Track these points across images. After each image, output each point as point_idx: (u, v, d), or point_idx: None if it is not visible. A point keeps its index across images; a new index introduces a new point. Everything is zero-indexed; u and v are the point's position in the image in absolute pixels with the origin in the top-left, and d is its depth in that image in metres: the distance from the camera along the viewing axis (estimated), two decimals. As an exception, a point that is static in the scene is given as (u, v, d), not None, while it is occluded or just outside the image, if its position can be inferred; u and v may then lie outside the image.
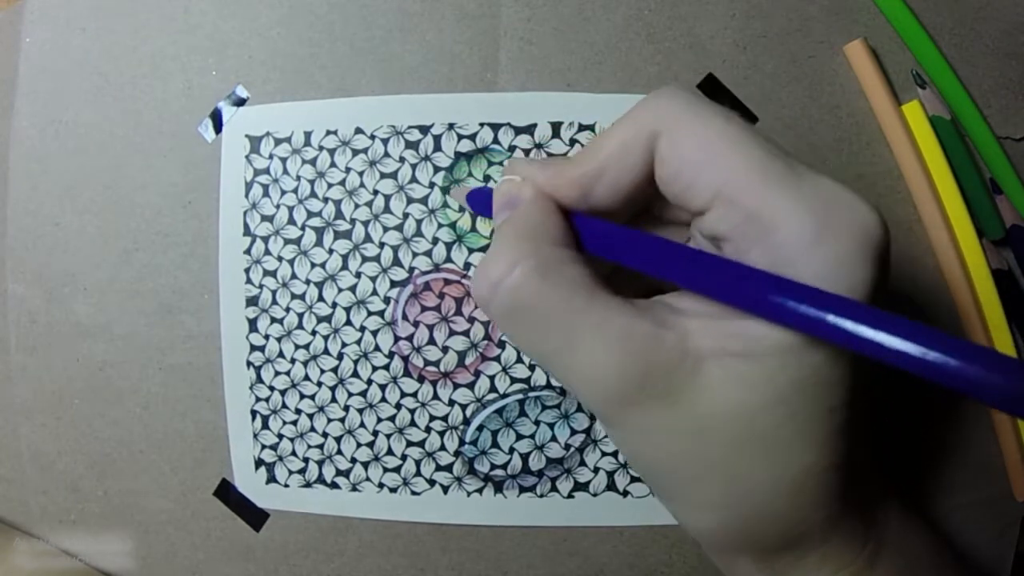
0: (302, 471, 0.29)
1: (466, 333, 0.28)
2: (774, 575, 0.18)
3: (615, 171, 0.18)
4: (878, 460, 0.19)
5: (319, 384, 0.29)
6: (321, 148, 0.29)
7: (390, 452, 0.29)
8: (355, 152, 0.28)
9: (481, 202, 0.24)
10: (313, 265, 0.29)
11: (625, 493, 0.28)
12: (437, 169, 0.28)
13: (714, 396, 0.16)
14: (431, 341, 0.28)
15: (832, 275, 0.15)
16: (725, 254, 0.17)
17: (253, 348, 0.29)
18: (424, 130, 0.28)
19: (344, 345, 0.29)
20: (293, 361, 0.29)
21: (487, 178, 0.28)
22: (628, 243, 0.18)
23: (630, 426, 0.17)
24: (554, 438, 0.28)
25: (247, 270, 0.29)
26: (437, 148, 0.28)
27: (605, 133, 0.18)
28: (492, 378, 0.28)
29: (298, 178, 0.29)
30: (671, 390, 0.16)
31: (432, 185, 0.28)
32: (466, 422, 0.29)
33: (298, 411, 0.29)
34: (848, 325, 0.15)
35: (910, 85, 0.28)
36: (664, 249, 0.17)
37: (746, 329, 0.16)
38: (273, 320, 0.29)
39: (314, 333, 0.29)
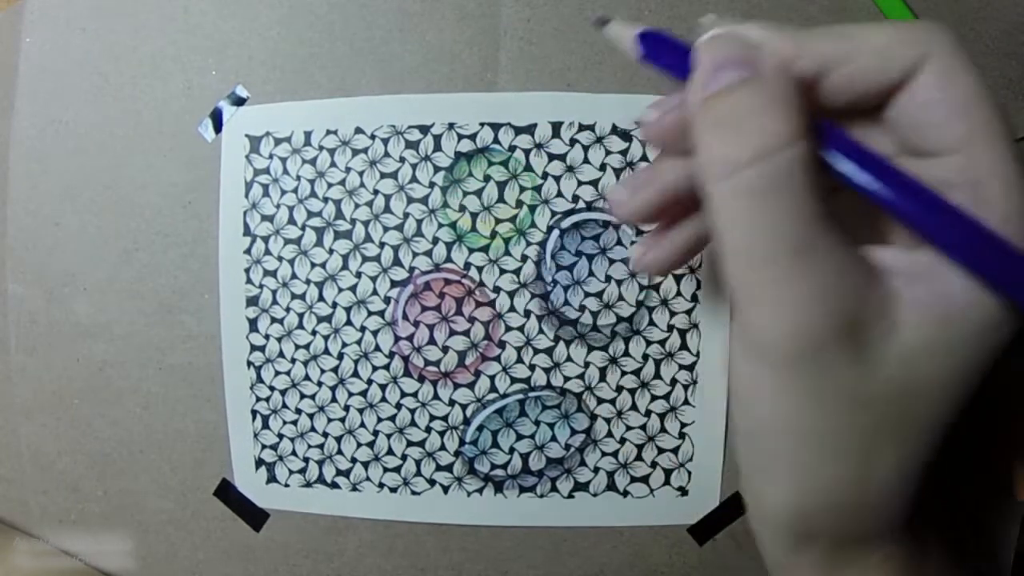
0: (302, 471, 0.29)
1: (466, 333, 0.28)
2: (832, 569, 0.18)
3: (861, 67, 0.16)
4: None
5: (319, 384, 0.29)
6: (321, 148, 0.29)
7: (390, 452, 0.29)
8: (355, 152, 0.28)
9: (662, 50, 0.19)
10: (313, 265, 0.29)
11: (625, 493, 0.28)
12: (437, 169, 0.28)
13: (901, 363, 0.15)
14: (431, 341, 0.28)
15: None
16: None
17: (253, 348, 0.29)
18: (424, 130, 0.28)
19: (344, 345, 0.29)
20: (293, 361, 0.29)
21: (487, 178, 0.28)
22: (874, 169, 0.16)
23: (803, 374, 0.15)
24: (554, 438, 0.28)
25: (247, 270, 0.29)
26: (437, 148, 0.28)
27: (868, 27, 0.17)
28: (492, 378, 0.28)
29: (298, 178, 0.29)
30: (861, 346, 0.15)
31: (432, 185, 0.28)
32: (466, 422, 0.29)
33: (298, 411, 0.29)
34: None
35: (910, 85, 0.28)
36: (910, 187, 0.16)
37: (953, 297, 0.15)
38: (273, 320, 0.29)
39: (314, 333, 0.29)
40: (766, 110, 0.15)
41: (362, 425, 0.29)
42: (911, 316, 0.16)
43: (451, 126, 0.28)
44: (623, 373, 0.28)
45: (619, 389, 0.28)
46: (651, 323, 0.28)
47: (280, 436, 0.29)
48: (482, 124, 0.28)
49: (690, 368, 0.28)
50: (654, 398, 0.28)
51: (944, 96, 0.16)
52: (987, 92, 0.16)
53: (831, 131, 0.16)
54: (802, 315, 0.15)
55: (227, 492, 0.30)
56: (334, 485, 0.29)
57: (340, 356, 0.29)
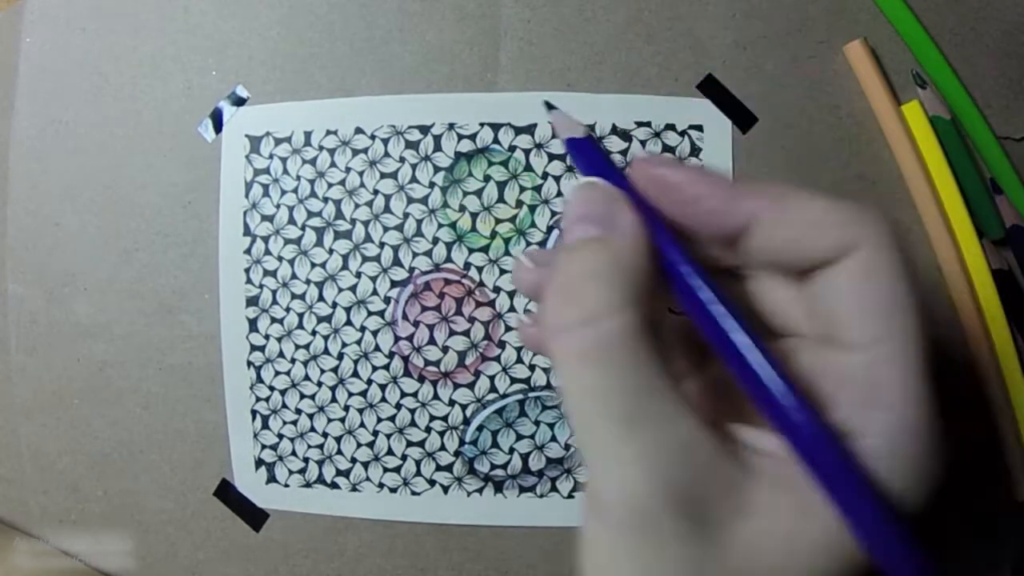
0: (302, 471, 0.29)
1: (466, 333, 0.28)
2: None
3: (791, 236, 0.16)
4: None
5: (319, 384, 0.29)
6: (321, 148, 0.29)
7: (390, 452, 0.29)
8: (355, 152, 0.28)
9: (580, 158, 0.19)
10: (313, 265, 0.29)
11: (625, 493, 0.28)
12: (437, 169, 0.28)
13: (750, 546, 0.14)
14: (431, 341, 0.28)
15: (913, 486, 0.16)
16: (841, 397, 0.16)
17: (253, 348, 0.29)
18: (424, 130, 0.28)
19: (344, 345, 0.29)
20: (293, 361, 0.29)
21: (487, 178, 0.28)
22: (702, 318, 0.15)
23: (648, 542, 0.15)
24: (554, 438, 0.28)
25: (247, 270, 0.29)
26: (437, 148, 0.28)
27: (803, 196, 0.16)
28: (492, 378, 0.28)
29: (298, 178, 0.29)
30: (708, 523, 0.14)
31: (432, 185, 0.28)
32: (466, 422, 0.29)
33: (298, 411, 0.29)
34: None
35: (910, 85, 0.28)
36: (771, 388, 0.15)
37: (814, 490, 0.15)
38: (273, 320, 0.29)
39: (314, 333, 0.29)
40: (599, 276, 0.15)
41: (362, 425, 0.29)
42: (767, 500, 0.15)
43: (451, 126, 0.28)
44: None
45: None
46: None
47: (280, 436, 0.29)
48: (482, 124, 0.28)
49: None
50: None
51: (861, 293, 0.15)
52: (908, 295, 0.15)
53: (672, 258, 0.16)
54: (631, 484, 0.14)
55: (227, 492, 0.30)
56: (334, 485, 0.29)
57: (340, 356, 0.29)
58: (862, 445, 0.15)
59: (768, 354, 0.15)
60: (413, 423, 0.29)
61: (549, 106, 0.20)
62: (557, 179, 0.28)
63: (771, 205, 0.16)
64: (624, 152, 0.28)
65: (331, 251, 0.29)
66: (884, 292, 0.15)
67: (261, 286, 0.29)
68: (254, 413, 0.29)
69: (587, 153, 0.18)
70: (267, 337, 0.29)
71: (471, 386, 0.29)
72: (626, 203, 0.16)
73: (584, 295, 0.15)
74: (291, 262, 0.29)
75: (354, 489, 0.29)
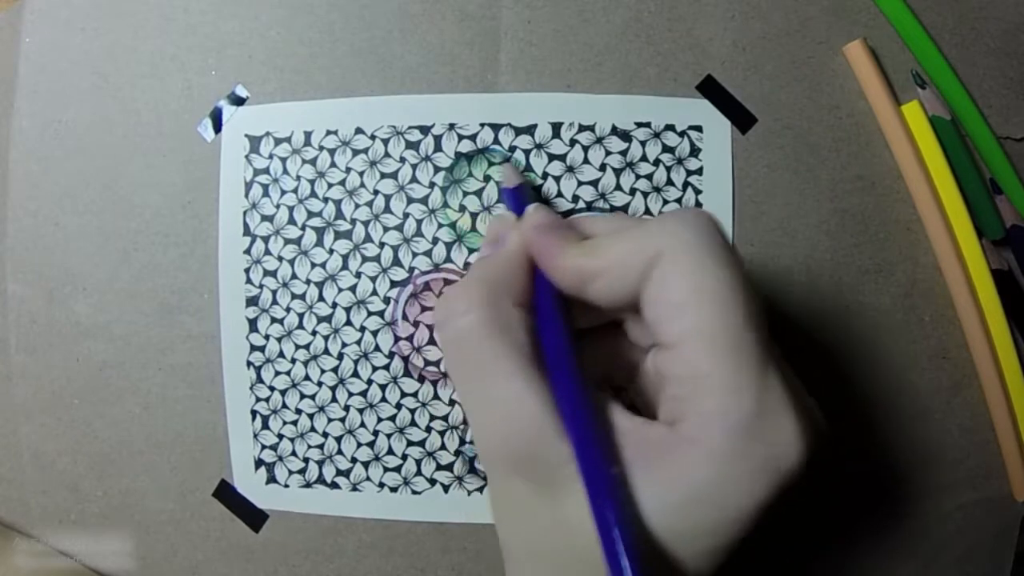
0: (302, 471, 0.29)
1: (466, 333, 0.28)
2: None
3: (611, 279, 0.18)
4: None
5: (319, 384, 0.29)
6: (321, 148, 0.29)
7: (390, 452, 0.29)
8: (355, 152, 0.28)
9: (510, 202, 0.25)
10: (313, 265, 0.29)
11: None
12: (437, 169, 0.28)
13: (580, 509, 0.16)
14: (431, 341, 0.28)
15: (730, 476, 0.16)
16: (664, 395, 0.18)
17: (253, 348, 0.29)
18: (424, 130, 0.28)
19: (344, 345, 0.29)
20: (293, 361, 0.29)
21: (487, 178, 0.28)
22: (544, 333, 0.19)
23: (500, 489, 0.18)
24: (554, 438, 0.28)
25: (247, 270, 0.29)
26: (437, 148, 0.28)
27: (618, 235, 0.19)
28: (492, 378, 0.28)
29: (298, 178, 0.29)
30: (546, 483, 0.17)
31: (432, 185, 0.28)
32: (466, 422, 0.29)
33: (298, 411, 0.29)
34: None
35: (910, 85, 0.28)
36: (557, 369, 0.18)
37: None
38: (273, 320, 0.29)
39: (314, 333, 0.29)
40: (468, 285, 0.19)
41: (362, 425, 0.29)
42: None
43: (451, 127, 0.28)
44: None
45: (619, 389, 0.28)
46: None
47: (280, 436, 0.29)
48: (482, 125, 0.28)
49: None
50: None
51: (662, 296, 0.17)
52: (709, 289, 0.17)
53: (540, 285, 0.20)
54: (480, 446, 0.19)
55: (226, 493, 0.30)
56: (334, 485, 0.29)
57: (340, 356, 0.29)
58: (706, 429, 0.16)
59: (578, 397, 0.17)
60: (413, 423, 0.29)
61: (504, 158, 0.27)
62: (557, 179, 0.28)
63: (588, 261, 0.19)
64: (624, 152, 0.28)
65: (331, 251, 0.29)
66: (681, 292, 0.17)
67: (261, 286, 0.29)
68: (254, 413, 0.29)
69: (518, 198, 0.24)
70: (267, 337, 0.29)
71: (471, 386, 0.28)
72: (517, 230, 0.21)
73: (452, 299, 0.19)
74: (291, 262, 0.29)
75: (354, 489, 0.29)
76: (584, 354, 0.21)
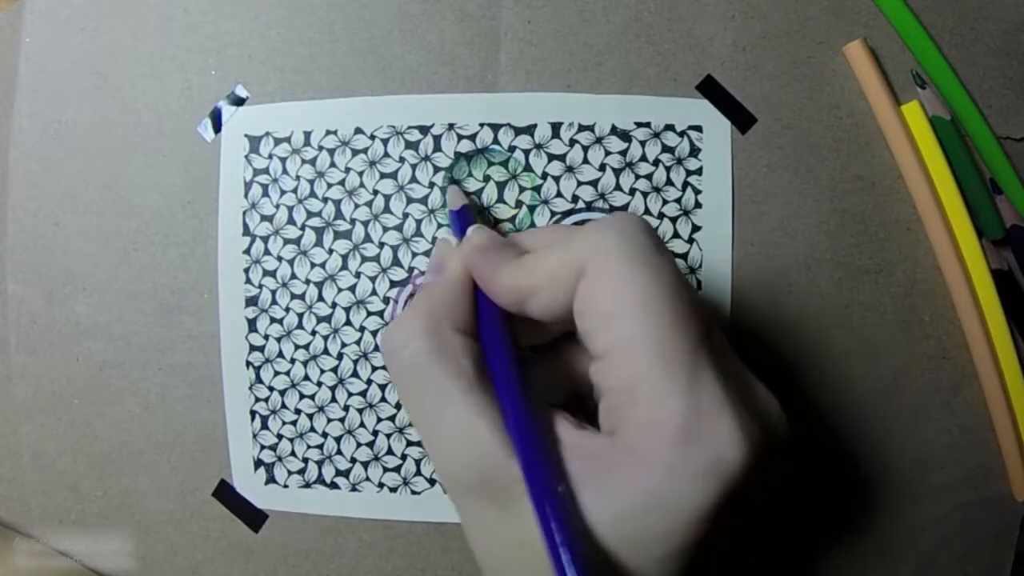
0: (302, 471, 0.29)
1: (466, 333, 0.28)
2: None
3: (545, 294, 0.18)
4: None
5: (319, 384, 0.29)
6: (321, 148, 0.29)
7: (390, 452, 0.29)
8: (355, 152, 0.28)
9: (457, 224, 0.25)
10: (313, 265, 0.29)
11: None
12: (437, 169, 0.28)
13: (527, 525, 0.16)
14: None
15: (671, 483, 0.16)
16: (601, 405, 0.18)
17: (252, 348, 0.29)
18: (424, 130, 0.28)
19: (344, 345, 0.29)
20: (293, 361, 0.29)
21: (487, 178, 0.28)
22: (489, 355, 0.19)
23: (463, 511, 0.19)
24: (554, 438, 0.28)
25: (246, 270, 0.29)
26: (437, 148, 0.28)
27: (550, 248, 0.19)
28: (492, 378, 0.28)
29: (298, 178, 0.29)
30: (504, 501, 0.17)
31: (432, 185, 0.28)
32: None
33: (298, 411, 0.29)
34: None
35: (910, 85, 0.28)
36: (502, 391, 0.18)
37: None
38: (273, 320, 0.29)
39: (314, 333, 0.29)
40: (413, 313, 0.19)
41: (362, 425, 0.29)
42: None
43: (451, 127, 0.28)
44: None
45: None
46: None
47: (279, 437, 0.29)
48: (482, 125, 0.28)
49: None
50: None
51: (589, 307, 0.18)
52: (634, 296, 0.17)
53: (483, 307, 0.20)
54: (438, 467, 0.19)
55: (226, 493, 0.30)
56: (333, 485, 0.29)
57: (339, 356, 0.29)
58: (643, 435, 0.16)
59: (524, 417, 0.17)
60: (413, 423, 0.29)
61: (452, 180, 0.28)
62: (557, 179, 0.28)
63: (524, 279, 0.19)
64: (623, 152, 0.28)
65: (331, 251, 0.29)
66: (607, 301, 0.17)
67: (260, 286, 0.29)
68: (253, 413, 0.29)
69: (462, 221, 0.25)
70: (266, 337, 0.29)
71: (471, 386, 0.28)
72: (456, 256, 0.21)
73: (397, 331, 0.19)
74: (290, 262, 0.29)
75: (354, 489, 0.29)
76: (542, 368, 0.21)
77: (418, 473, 0.29)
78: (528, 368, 0.19)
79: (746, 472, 0.16)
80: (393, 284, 0.29)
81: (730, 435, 0.16)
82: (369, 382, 0.29)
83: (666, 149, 0.28)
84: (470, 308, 0.20)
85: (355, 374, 0.29)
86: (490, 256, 0.20)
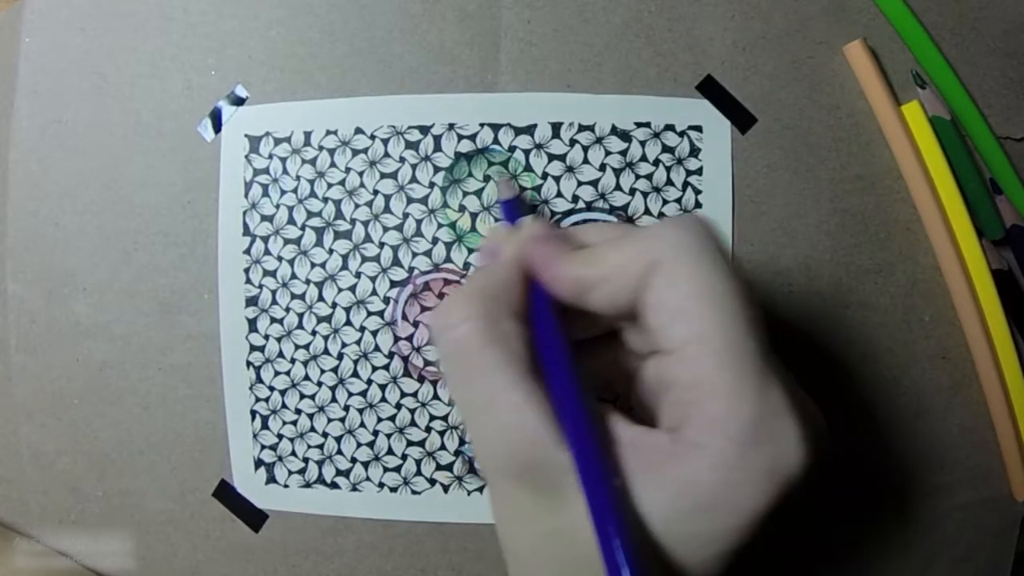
0: (302, 471, 0.29)
1: (466, 333, 0.28)
2: None
3: (611, 287, 0.18)
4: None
5: (319, 384, 0.29)
6: (321, 148, 0.29)
7: (390, 452, 0.29)
8: (355, 152, 0.28)
9: (506, 213, 0.26)
10: (313, 265, 0.29)
11: (625, 493, 0.28)
12: (437, 169, 0.28)
13: (583, 514, 0.16)
14: (431, 341, 0.28)
15: (733, 483, 0.16)
16: (663, 399, 0.18)
17: (253, 348, 0.29)
18: (424, 130, 0.28)
19: (344, 345, 0.29)
20: (293, 361, 0.29)
21: (487, 178, 0.28)
22: (542, 344, 0.19)
23: (502, 497, 0.18)
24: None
25: (247, 270, 0.29)
26: (437, 148, 0.28)
27: (616, 243, 0.19)
28: (492, 378, 0.28)
29: (298, 178, 0.29)
30: (549, 489, 0.17)
31: (432, 185, 0.28)
32: (465, 429, 0.29)
33: (298, 411, 0.29)
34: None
35: (910, 85, 0.28)
36: (556, 381, 0.18)
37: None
38: (273, 320, 0.29)
39: (314, 333, 0.29)
40: (464, 294, 0.19)
41: (362, 425, 0.29)
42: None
43: (451, 126, 0.28)
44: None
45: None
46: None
47: (279, 436, 0.29)
48: (482, 125, 0.28)
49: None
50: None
51: (663, 302, 0.18)
52: (711, 294, 0.17)
53: (537, 298, 0.20)
54: (480, 455, 0.19)
55: (226, 493, 0.30)
56: (334, 485, 0.29)
57: (340, 356, 0.29)
58: (709, 433, 0.16)
59: (578, 408, 0.17)
60: (413, 423, 0.29)
61: (503, 164, 0.28)
62: (557, 179, 0.28)
63: (586, 270, 0.19)
64: (623, 152, 0.28)
65: (331, 251, 0.29)
66: (682, 296, 0.17)
67: (261, 286, 0.29)
68: (253, 413, 0.29)
69: (513, 211, 0.25)
70: (267, 337, 0.29)
71: (471, 386, 0.28)
72: (513, 243, 0.21)
73: (449, 309, 0.19)
74: (291, 262, 0.29)
75: (354, 489, 0.29)
76: (583, 364, 0.21)
77: (418, 473, 0.29)
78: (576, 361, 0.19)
79: (804, 476, 0.16)
80: (393, 284, 0.29)
81: (794, 439, 0.16)
82: (369, 382, 0.29)
83: (666, 149, 0.28)
84: (524, 295, 0.20)
85: (355, 374, 0.29)
86: (549, 246, 0.20)
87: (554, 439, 0.17)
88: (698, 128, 0.28)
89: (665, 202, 0.28)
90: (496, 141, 0.28)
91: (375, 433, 0.29)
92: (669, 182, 0.28)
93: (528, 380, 0.18)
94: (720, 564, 0.16)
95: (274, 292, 0.29)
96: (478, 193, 0.28)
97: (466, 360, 0.18)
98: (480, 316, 0.18)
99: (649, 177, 0.28)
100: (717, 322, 0.17)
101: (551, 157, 0.28)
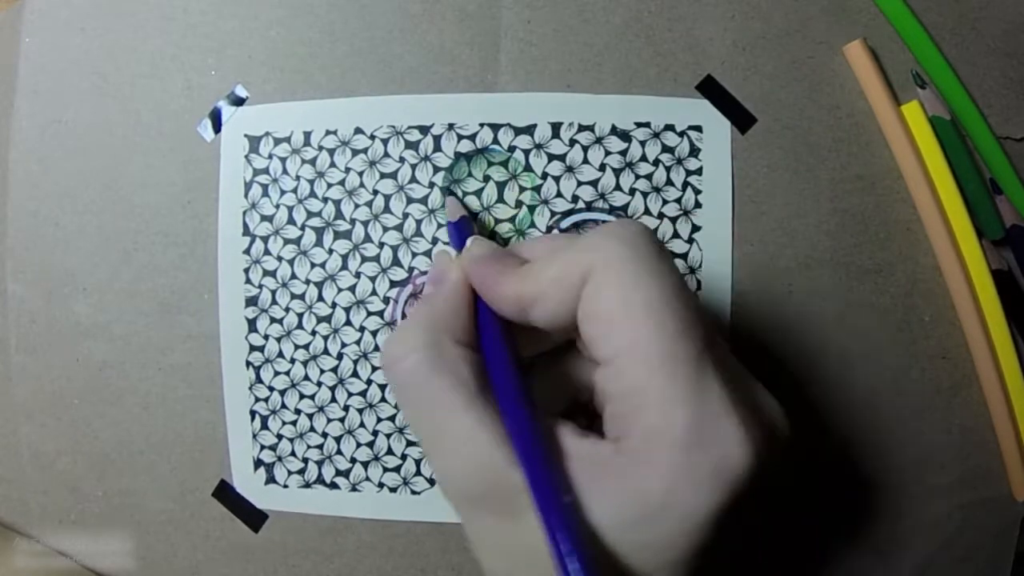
0: (301, 471, 0.29)
1: (466, 333, 0.28)
2: None
3: (550, 301, 0.18)
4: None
5: (319, 384, 0.29)
6: (321, 148, 0.29)
7: (390, 452, 0.29)
8: (355, 152, 0.28)
9: (456, 236, 0.26)
10: (313, 265, 0.29)
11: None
12: (437, 169, 0.28)
13: (536, 532, 0.16)
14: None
15: (678, 488, 0.16)
16: (606, 412, 0.18)
17: (252, 348, 0.29)
18: (424, 130, 0.28)
19: (344, 345, 0.29)
20: (293, 361, 0.29)
21: (487, 178, 0.28)
22: (491, 366, 0.19)
23: (467, 521, 0.18)
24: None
25: (246, 270, 0.29)
26: (437, 148, 0.28)
27: (552, 256, 0.19)
28: (492, 378, 0.28)
29: (297, 178, 0.29)
30: (507, 513, 0.17)
31: (432, 185, 0.28)
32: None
33: (297, 411, 0.29)
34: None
35: (910, 85, 0.28)
36: (504, 403, 0.18)
37: None
38: (273, 320, 0.29)
39: (314, 333, 0.29)
40: (414, 325, 0.19)
41: (361, 425, 0.29)
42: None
43: (451, 127, 0.28)
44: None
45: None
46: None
47: (279, 436, 0.29)
48: (482, 125, 0.28)
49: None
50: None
51: (595, 313, 0.18)
52: (639, 303, 0.17)
53: (483, 318, 0.20)
54: (453, 473, 0.18)
55: (226, 493, 0.30)
56: (333, 485, 0.29)
57: (339, 356, 0.29)
58: (651, 440, 0.16)
59: (527, 427, 0.17)
60: (413, 423, 0.29)
61: (449, 191, 0.28)
62: (556, 179, 0.28)
63: (525, 286, 0.19)
64: (623, 152, 0.28)
65: (331, 251, 0.29)
66: (612, 306, 0.17)
67: (260, 286, 0.29)
68: (253, 413, 0.29)
69: (460, 232, 0.25)
70: (266, 337, 0.29)
71: (471, 386, 0.28)
72: (456, 267, 0.21)
73: (396, 342, 0.19)
74: (290, 262, 0.29)
75: (354, 489, 0.29)
76: (545, 377, 0.21)
77: (418, 473, 0.29)
78: (529, 377, 0.19)
79: (752, 475, 0.16)
80: (393, 284, 0.29)
81: (736, 439, 0.16)
82: (369, 382, 0.29)
83: (666, 149, 0.28)
84: (471, 319, 0.20)
85: (355, 374, 0.29)
86: (491, 266, 0.20)
87: (507, 460, 0.17)
88: (698, 128, 0.28)
89: (665, 202, 0.28)
90: (496, 141, 0.28)
91: (375, 433, 0.29)
92: (669, 182, 0.28)
93: (477, 404, 0.18)
94: (680, 569, 0.16)
95: (274, 292, 0.29)
96: (478, 193, 0.28)
97: (415, 391, 0.19)
98: (426, 346, 0.19)
99: (649, 177, 0.28)
100: (645, 330, 0.17)
101: (551, 157, 0.28)
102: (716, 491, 0.16)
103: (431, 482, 0.29)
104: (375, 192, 0.28)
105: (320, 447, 0.29)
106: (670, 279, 0.17)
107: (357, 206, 0.28)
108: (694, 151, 0.28)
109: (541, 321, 0.19)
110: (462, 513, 0.19)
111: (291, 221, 0.29)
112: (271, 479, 0.30)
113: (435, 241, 0.28)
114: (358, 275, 0.29)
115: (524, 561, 0.17)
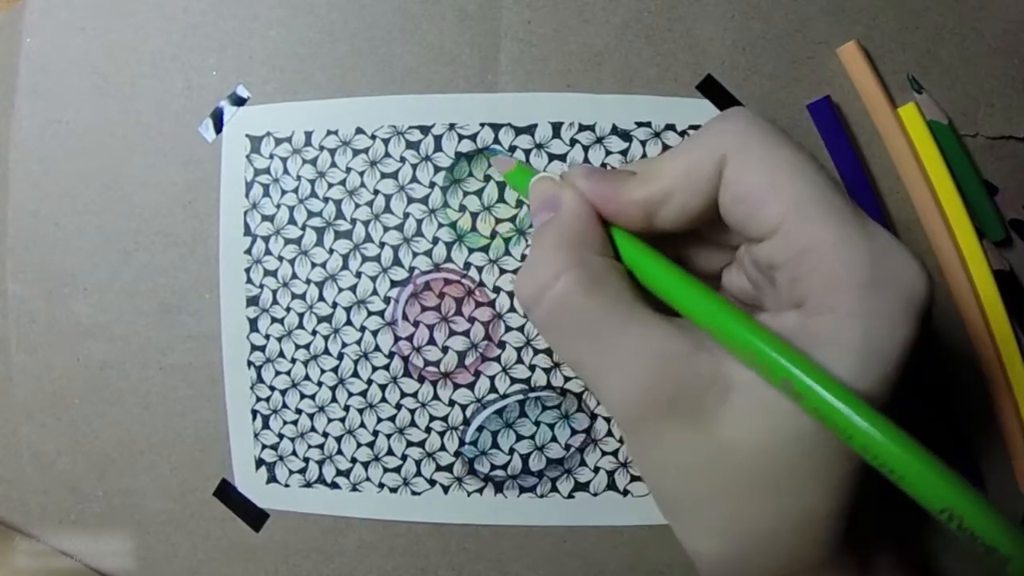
0: (302, 471, 0.29)
1: (466, 333, 0.28)
2: None
3: (682, 195, 0.18)
4: (878, 504, 0.19)
5: (319, 384, 0.29)
6: (322, 148, 0.29)
7: (390, 452, 0.29)
8: (356, 152, 0.28)
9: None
10: (313, 265, 0.29)
11: (625, 492, 0.28)
12: (438, 169, 0.28)
13: (738, 424, 0.16)
14: (431, 341, 0.28)
15: (875, 327, 0.16)
16: (776, 284, 0.18)
17: (253, 348, 0.29)
18: (425, 130, 0.28)
19: (344, 345, 0.29)
20: (293, 361, 0.29)
21: (487, 178, 0.28)
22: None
23: (650, 441, 0.17)
24: (554, 438, 0.28)
25: (247, 270, 0.29)
26: (438, 148, 0.28)
27: (670, 154, 0.18)
28: (492, 378, 0.28)
29: (299, 178, 0.29)
30: (697, 412, 0.16)
31: (432, 185, 0.28)
32: (466, 422, 0.29)
33: (298, 411, 0.29)
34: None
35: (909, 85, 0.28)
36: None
37: None
38: (273, 320, 0.29)
39: (314, 333, 0.29)
40: (546, 251, 0.18)
41: (362, 425, 0.29)
42: (742, 380, 0.16)
43: (452, 126, 0.28)
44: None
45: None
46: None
47: (280, 436, 0.29)
48: (482, 125, 0.28)
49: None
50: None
51: (745, 192, 0.17)
52: (790, 167, 0.17)
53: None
54: (615, 399, 0.17)
55: (227, 492, 0.30)
56: (334, 485, 0.29)
57: (340, 356, 0.29)
58: (834, 293, 0.16)
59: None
60: (413, 423, 0.29)
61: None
62: (557, 179, 0.28)
63: (648, 187, 0.18)
64: (624, 152, 0.28)
65: (331, 251, 0.29)
66: (762, 176, 0.17)
67: (261, 286, 0.29)
68: (254, 413, 0.29)
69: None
70: (267, 337, 0.29)
71: (471, 386, 0.29)
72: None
73: (535, 272, 0.18)
74: (291, 262, 0.29)
75: (354, 489, 0.29)
76: None
77: (418, 473, 0.29)
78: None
79: (931, 298, 0.16)
80: (394, 284, 0.29)
81: (914, 270, 0.16)
82: (369, 382, 0.29)
83: (667, 149, 0.28)
84: (603, 233, 0.19)
85: (356, 374, 0.29)
86: (607, 177, 0.19)
87: (694, 345, 0.17)
88: (698, 128, 0.28)
89: (665, 202, 0.28)
90: (497, 141, 0.28)
91: (375, 433, 0.29)
92: (669, 182, 0.28)
93: (644, 307, 0.17)
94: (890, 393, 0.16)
95: (275, 292, 0.29)
96: (478, 193, 0.28)
97: (573, 314, 0.18)
98: (572, 265, 0.18)
99: (649, 177, 0.28)
100: (804, 186, 0.17)
101: (552, 157, 0.28)
102: (910, 317, 0.16)
103: (431, 483, 0.29)
104: (376, 192, 0.28)
105: (321, 447, 0.29)
106: (797, 144, 0.17)
107: (358, 206, 0.28)
108: (694, 151, 0.28)
109: (669, 221, 0.18)
110: (641, 433, 0.17)
111: (292, 221, 0.29)
112: (272, 478, 0.30)
113: (436, 241, 0.28)
114: (359, 275, 0.29)
115: (717, 466, 0.17)
